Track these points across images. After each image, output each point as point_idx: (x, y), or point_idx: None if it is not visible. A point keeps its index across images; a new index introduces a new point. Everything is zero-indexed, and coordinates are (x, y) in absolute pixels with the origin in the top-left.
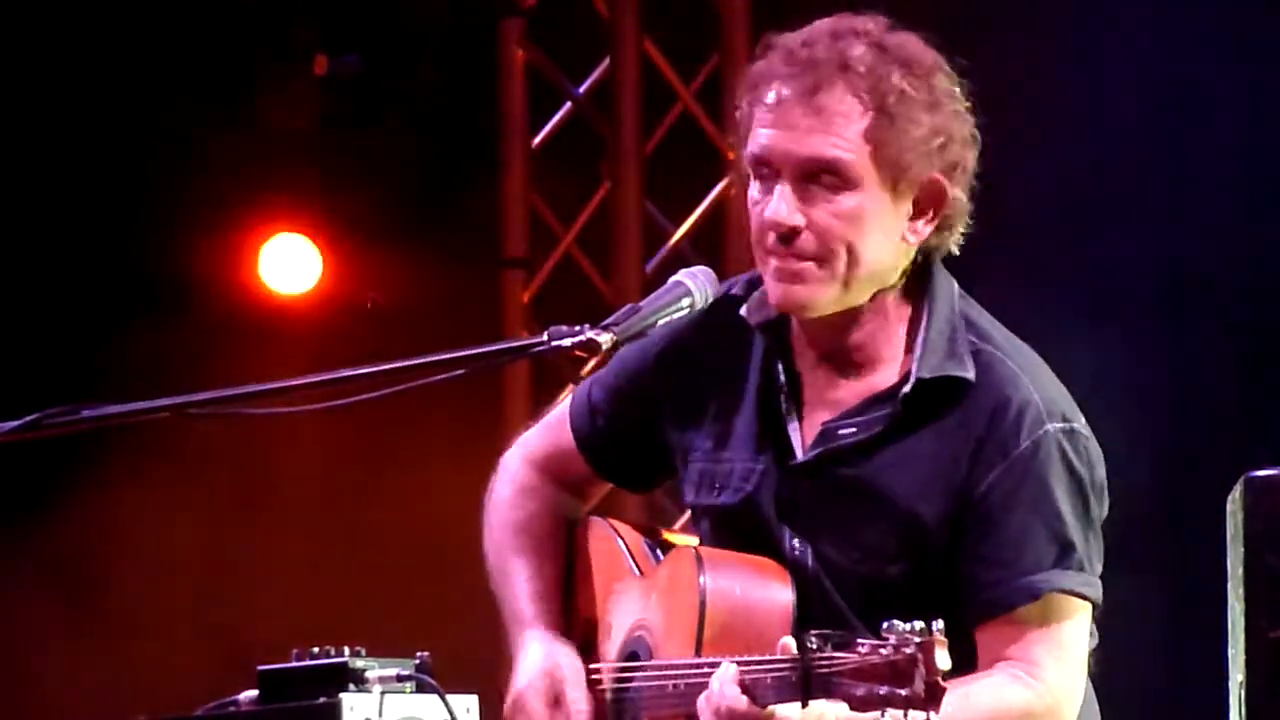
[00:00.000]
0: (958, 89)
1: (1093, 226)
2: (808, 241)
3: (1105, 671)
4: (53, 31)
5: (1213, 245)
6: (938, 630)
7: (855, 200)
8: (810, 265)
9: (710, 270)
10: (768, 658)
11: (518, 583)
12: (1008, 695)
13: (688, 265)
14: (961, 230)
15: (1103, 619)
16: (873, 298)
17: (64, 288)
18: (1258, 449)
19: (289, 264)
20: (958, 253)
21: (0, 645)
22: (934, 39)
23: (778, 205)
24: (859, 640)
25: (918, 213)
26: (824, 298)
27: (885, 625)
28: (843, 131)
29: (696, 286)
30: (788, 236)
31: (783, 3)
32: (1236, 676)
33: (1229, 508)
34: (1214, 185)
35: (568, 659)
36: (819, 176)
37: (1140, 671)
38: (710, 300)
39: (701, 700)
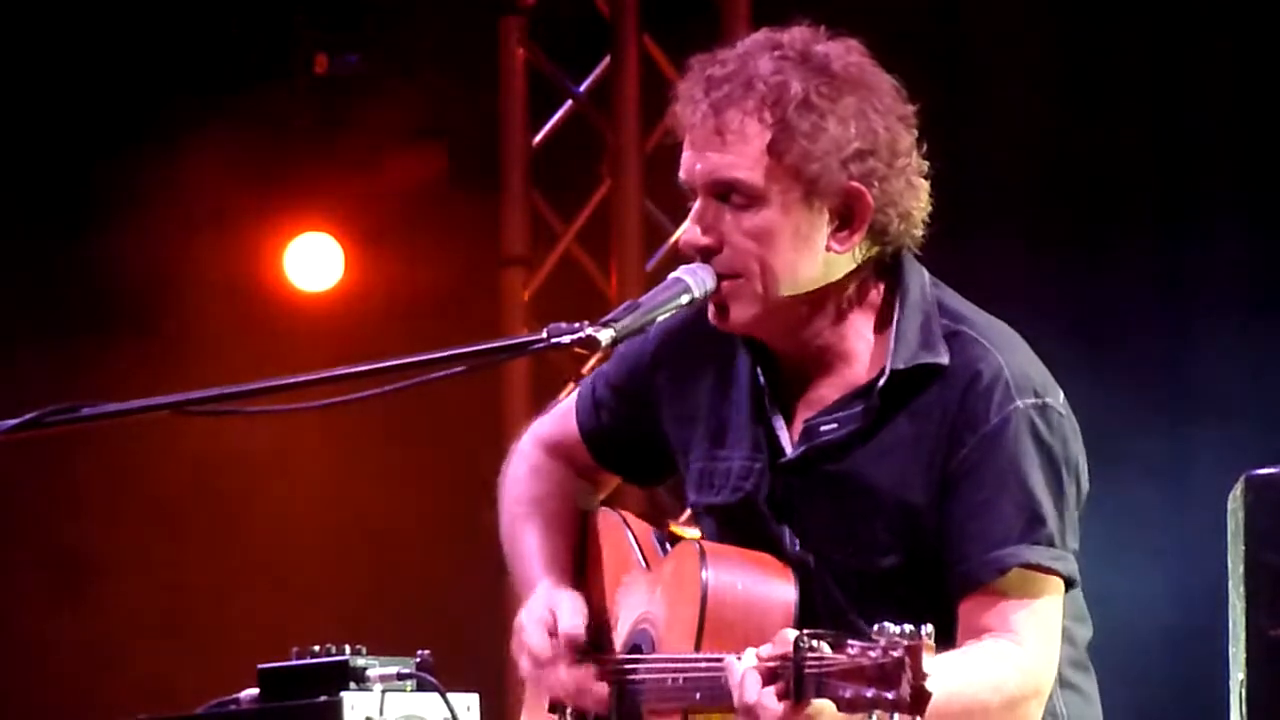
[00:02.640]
0: (896, 100)
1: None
2: (725, 259)
3: (1106, 670)
4: (73, 35)
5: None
6: (926, 635)
7: (762, 217)
8: (730, 283)
9: (709, 266)
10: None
11: (529, 550)
12: (996, 671)
13: (687, 263)
14: (920, 229)
15: (1101, 616)
16: (822, 303)
17: (91, 285)
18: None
19: (313, 263)
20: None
21: (0, 644)
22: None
23: (691, 226)
24: (850, 641)
25: (840, 223)
26: (747, 315)
27: (876, 628)
28: (742, 150)
29: (695, 282)
30: (706, 255)
31: (783, 2)
32: (1237, 675)
33: (1230, 506)
34: (1212, 182)
35: (568, 595)
36: (728, 196)
37: (1141, 669)
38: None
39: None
